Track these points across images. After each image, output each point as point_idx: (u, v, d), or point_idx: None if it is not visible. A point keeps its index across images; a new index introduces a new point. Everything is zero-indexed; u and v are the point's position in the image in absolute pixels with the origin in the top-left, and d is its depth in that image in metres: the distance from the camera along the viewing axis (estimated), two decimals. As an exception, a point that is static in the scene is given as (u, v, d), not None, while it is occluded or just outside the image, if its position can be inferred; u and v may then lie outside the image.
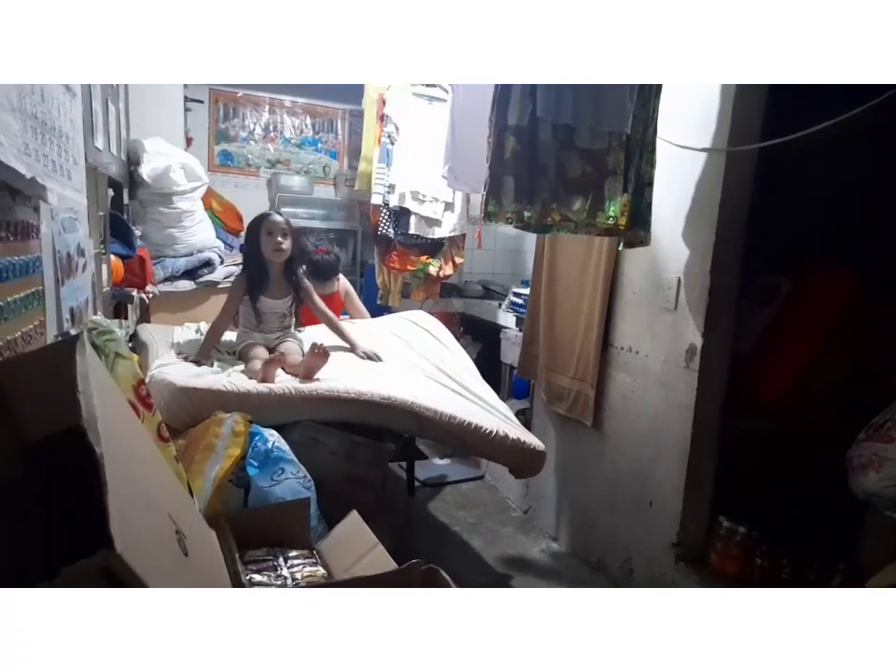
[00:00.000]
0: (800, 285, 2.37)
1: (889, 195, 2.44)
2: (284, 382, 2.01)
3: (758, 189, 2.12)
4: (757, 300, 2.46)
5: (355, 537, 1.43)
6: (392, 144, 3.52)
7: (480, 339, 3.91)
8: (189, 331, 2.66)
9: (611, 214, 2.07)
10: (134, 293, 2.57)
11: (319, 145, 4.56)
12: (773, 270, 2.46)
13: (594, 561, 2.55)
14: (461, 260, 3.88)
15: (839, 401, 2.23)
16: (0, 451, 0.85)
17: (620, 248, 2.31)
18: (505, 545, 2.71)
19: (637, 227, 2.11)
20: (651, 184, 2.06)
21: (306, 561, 1.36)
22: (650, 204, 2.09)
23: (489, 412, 2.30)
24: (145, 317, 2.96)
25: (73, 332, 1.37)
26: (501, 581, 2.43)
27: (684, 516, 2.15)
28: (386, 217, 3.59)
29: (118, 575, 0.67)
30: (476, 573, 2.44)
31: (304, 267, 3.14)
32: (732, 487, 2.23)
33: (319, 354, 2.10)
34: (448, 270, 3.82)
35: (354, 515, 1.51)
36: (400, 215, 3.61)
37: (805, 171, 2.52)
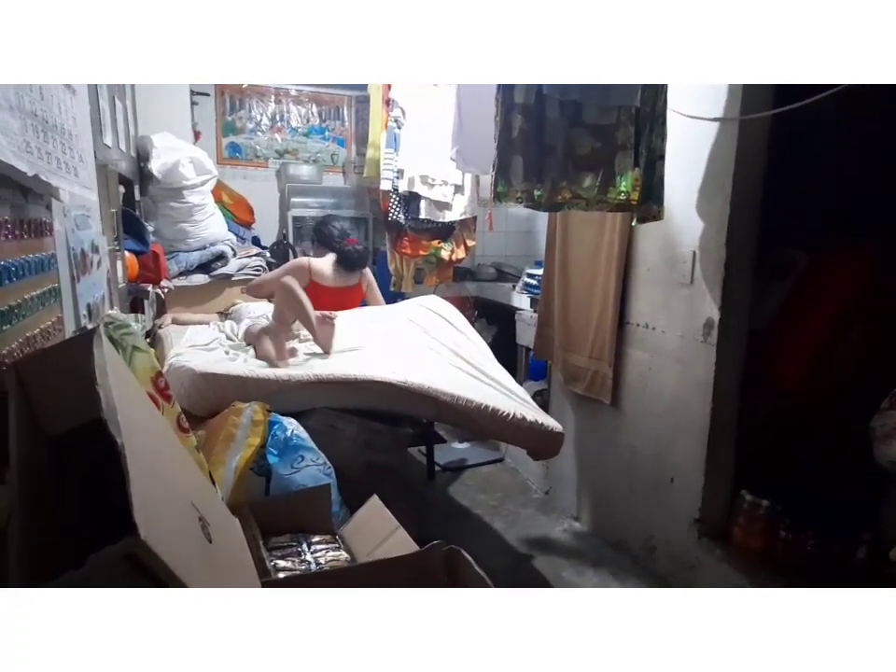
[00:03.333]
0: (818, 259, 2.33)
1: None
2: (303, 367, 2.02)
3: (772, 160, 2.08)
4: (773, 274, 2.42)
5: (376, 521, 1.44)
6: (399, 128, 3.50)
7: (494, 322, 3.90)
8: (205, 327, 2.68)
9: (623, 189, 2.05)
10: (150, 288, 2.59)
11: (326, 133, 4.54)
12: (790, 243, 2.42)
13: (615, 540, 2.55)
14: (473, 243, 3.86)
15: (860, 377, 2.19)
16: (24, 446, 0.86)
17: (633, 224, 2.29)
18: (527, 526, 2.72)
19: (649, 201, 2.08)
20: (662, 157, 2.03)
21: (329, 546, 1.37)
22: (661, 178, 2.06)
23: (506, 395, 2.30)
24: (161, 312, 2.99)
25: (90, 328, 1.38)
26: (524, 561, 2.44)
27: (706, 492, 2.13)
28: (396, 202, 3.58)
29: (143, 561, 0.68)
30: (498, 554, 2.45)
31: (336, 256, 3.10)
32: (753, 463, 2.21)
33: (326, 321, 2.14)
34: (460, 253, 3.80)
35: (374, 500, 1.52)
36: (410, 199, 3.60)
37: (822, 139, 2.47)
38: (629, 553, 2.47)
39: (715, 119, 2.02)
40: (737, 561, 2.02)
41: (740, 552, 2.06)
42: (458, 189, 3.64)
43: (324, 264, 3.08)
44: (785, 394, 2.27)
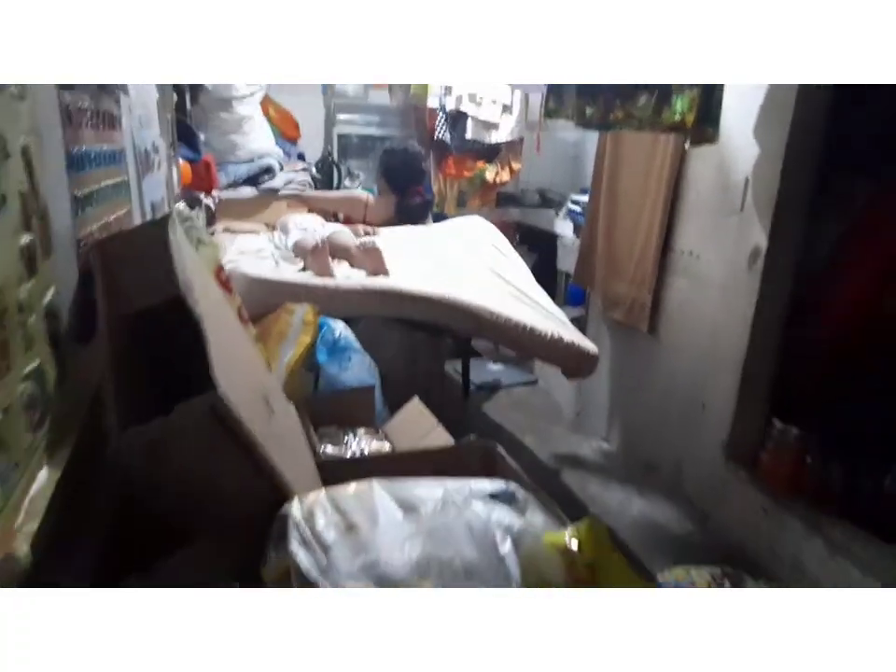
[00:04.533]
0: (884, 200, 2.24)
1: None
2: (351, 278, 2.08)
3: (839, 88, 1.99)
4: (830, 209, 2.35)
5: (416, 419, 1.53)
6: (449, 43, 3.41)
7: (536, 248, 3.89)
8: (255, 236, 2.75)
9: (678, 110, 2.00)
10: (202, 196, 2.66)
11: (374, 48, 4.44)
12: (850, 179, 2.33)
13: (644, 462, 2.63)
14: (518, 167, 3.81)
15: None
16: (111, 316, 0.95)
17: (686, 147, 2.24)
18: (557, 444, 2.82)
19: (704, 123, 2.03)
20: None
21: (373, 437, 1.47)
22: (720, 100, 1.99)
23: (545, 315, 2.34)
24: (211, 222, 3.06)
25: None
26: (552, 475, 2.54)
27: (736, 418, 2.17)
28: (443, 121, 3.53)
29: (221, 414, 0.77)
30: (528, 468, 2.55)
31: (395, 202, 2.99)
32: (790, 394, 2.23)
33: (370, 250, 2.16)
34: (505, 176, 3.77)
35: (415, 400, 1.60)
36: (457, 119, 3.55)
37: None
38: (656, 473, 2.56)
39: (782, 37, 1.92)
40: (762, 484, 2.08)
41: (767, 477, 2.11)
42: (506, 108, 3.57)
43: (381, 206, 2.99)
44: (836, 328, 2.26)
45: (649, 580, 1.74)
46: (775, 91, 2.01)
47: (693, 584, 1.71)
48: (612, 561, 0.84)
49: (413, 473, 0.96)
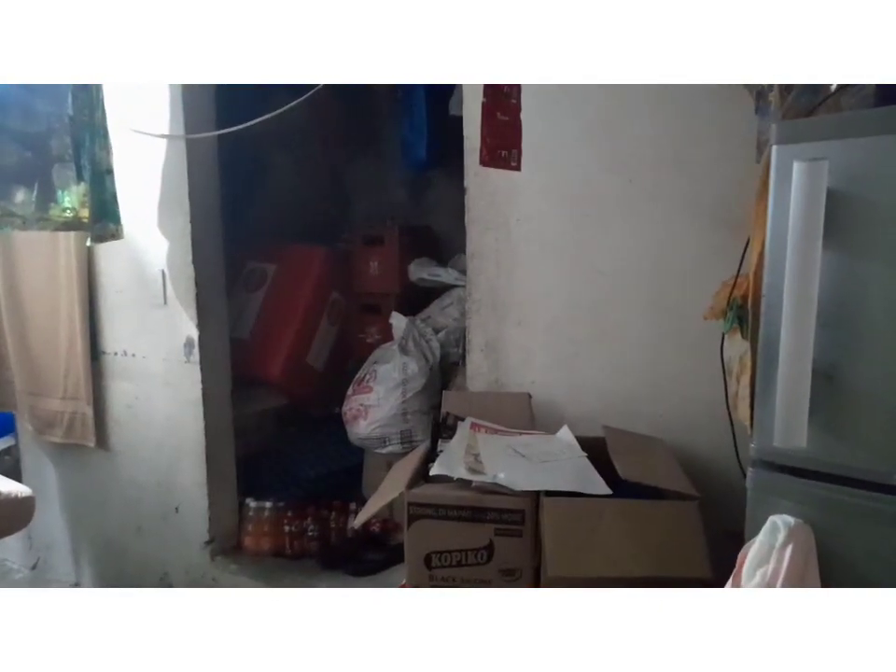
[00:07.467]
0: (284, 266, 2.57)
1: (341, 182, 2.88)
2: None
3: (232, 178, 2.17)
4: (249, 285, 2.56)
5: None
6: None
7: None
8: None
9: (68, 205, 1.85)
10: None
11: None
12: (260, 256, 2.60)
13: (133, 585, 2.29)
14: None
15: (331, 364, 2.54)
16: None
17: (88, 244, 2.08)
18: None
19: (104, 219, 1.93)
20: (111, 172, 1.90)
21: None
22: (115, 194, 1.93)
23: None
24: None
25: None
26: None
27: (213, 511, 2.11)
28: None
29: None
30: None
31: None
32: (256, 466, 2.31)
33: None
34: None
35: None
36: None
37: (276, 162, 2.73)
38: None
39: (161, 136, 1.97)
40: (252, 569, 2.06)
41: (254, 559, 2.11)
42: None
43: None
44: (275, 392, 2.46)
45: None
46: (170, 184, 2.03)
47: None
48: None
49: None
